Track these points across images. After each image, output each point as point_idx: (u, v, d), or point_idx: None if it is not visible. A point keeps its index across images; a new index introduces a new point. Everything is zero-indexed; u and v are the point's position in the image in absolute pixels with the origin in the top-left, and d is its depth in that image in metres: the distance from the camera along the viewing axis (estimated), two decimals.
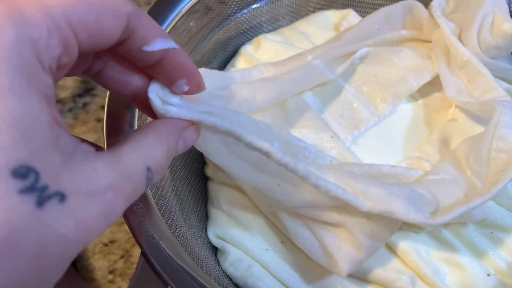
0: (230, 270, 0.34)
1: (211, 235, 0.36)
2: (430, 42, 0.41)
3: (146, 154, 0.21)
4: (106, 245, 0.48)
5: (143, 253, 0.26)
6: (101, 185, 0.18)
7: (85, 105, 0.57)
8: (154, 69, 0.24)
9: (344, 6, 0.49)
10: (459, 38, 0.39)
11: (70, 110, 0.57)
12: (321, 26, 0.45)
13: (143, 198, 0.29)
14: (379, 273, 0.32)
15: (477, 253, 0.34)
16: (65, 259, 0.17)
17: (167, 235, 0.27)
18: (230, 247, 0.35)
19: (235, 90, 0.35)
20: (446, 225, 0.34)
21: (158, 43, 0.22)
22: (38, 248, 0.15)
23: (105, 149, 0.28)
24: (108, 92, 0.33)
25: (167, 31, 0.38)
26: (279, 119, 0.38)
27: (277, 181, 0.30)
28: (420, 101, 0.41)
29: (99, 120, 0.57)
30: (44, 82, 0.17)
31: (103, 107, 0.48)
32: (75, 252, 0.17)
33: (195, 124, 0.25)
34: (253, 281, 0.32)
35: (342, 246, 0.30)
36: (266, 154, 0.27)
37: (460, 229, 0.34)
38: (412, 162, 0.36)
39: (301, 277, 0.33)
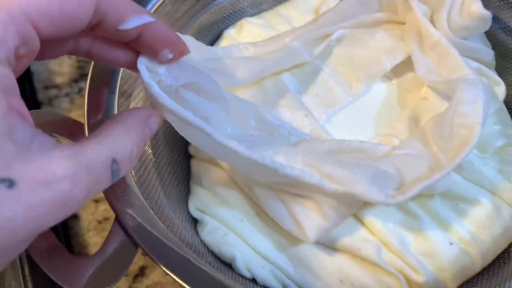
0: (207, 238, 0.36)
1: (192, 208, 0.38)
2: (404, 24, 0.42)
3: (113, 146, 0.22)
4: (100, 222, 0.51)
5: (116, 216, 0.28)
6: (57, 175, 0.18)
7: (81, 89, 0.59)
8: (136, 43, 0.25)
9: None
10: (431, 20, 0.40)
11: (66, 95, 0.59)
12: (302, 10, 0.47)
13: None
14: (346, 241, 0.34)
15: (442, 223, 0.35)
16: (12, 243, 0.17)
17: (140, 204, 0.29)
18: (208, 218, 0.37)
19: (218, 64, 0.37)
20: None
21: (132, 20, 0.23)
22: None
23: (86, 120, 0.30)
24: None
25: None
26: (257, 98, 0.39)
27: (248, 161, 0.32)
28: (394, 81, 0.43)
29: None
30: None
31: None
32: (25, 237, 0.18)
33: (156, 111, 0.26)
34: (227, 248, 0.35)
35: (310, 216, 0.33)
36: (235, 152, 0.28)
37: (426, 201, 0.36)
38: (383, 138, 0.38)
39: (274, 245, 0.35)
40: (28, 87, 0.57)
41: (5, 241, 0.17)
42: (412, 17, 0.41)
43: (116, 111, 0.34)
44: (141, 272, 0.46)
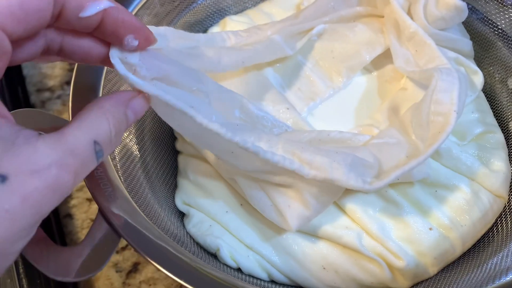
0: (193, 230, 0.37)
1: (178, 202, 0.39)
2: (383, 17, 0.43)
3: (92, 129, 0.23)
4: (93, 220, 0.51)
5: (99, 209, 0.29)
6: (44, 163, 0.20)
7: None
8: (100, 32, 0.25)
9: None
10: (408, 12, 0.41)
11: (58, 97, 0.60)
12: (284, 7, 0.48)
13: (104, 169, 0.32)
14: (327, 229, 0.35)
15: (422, 210, 0.36)
16: (17, 232, 0.19)
17: (123, 197, 0.30)
18: (194, 211, 0.38)
19: (202, 50, 0.37)
20: (392, 185, 0.37)
21: (92, 6, 0.24)
22: None
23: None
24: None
25: (133, 13, 0.40)
26: (240, 92, 0.40)
27: (231, 149, 0.33)
28: (374, 73, 0.44)
29: None
30: None
31: None
32: (29, 225, 0.19)
33: (142, 93, 0.26)
34: (212, 239, 0.36)
35: (292, 205, 0.33)
36: (217, 135, 0.29)
37: (406, 188, 0.37)
38: (363, 129, 0.39)
39: (258, 235, 0.36)
40: (21, 90, 0.58)
41: (9, 231, 0.19)
42: (390, 10, 0.41)
43: None
44: (134, 268, 0.47)
